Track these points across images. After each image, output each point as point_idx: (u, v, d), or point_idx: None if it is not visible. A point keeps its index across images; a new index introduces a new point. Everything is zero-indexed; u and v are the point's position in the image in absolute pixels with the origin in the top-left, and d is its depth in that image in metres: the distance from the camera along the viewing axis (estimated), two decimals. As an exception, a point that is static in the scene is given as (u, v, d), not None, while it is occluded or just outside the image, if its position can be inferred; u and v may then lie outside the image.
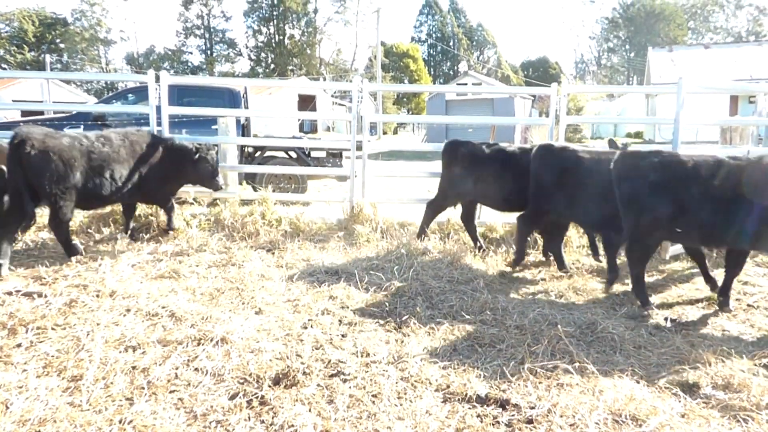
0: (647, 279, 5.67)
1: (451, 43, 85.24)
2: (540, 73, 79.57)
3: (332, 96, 51.01)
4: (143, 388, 3.12)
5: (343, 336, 3.96)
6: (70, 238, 5.78)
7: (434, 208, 6.81)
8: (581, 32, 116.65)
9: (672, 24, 71.16)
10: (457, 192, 6.59)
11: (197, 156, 6.57)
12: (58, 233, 5.68)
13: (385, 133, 46.12)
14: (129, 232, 6.60)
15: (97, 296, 4.46)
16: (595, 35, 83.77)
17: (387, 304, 4.59)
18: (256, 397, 3.06)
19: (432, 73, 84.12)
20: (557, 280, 5.59)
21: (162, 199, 6.64)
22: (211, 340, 3.69)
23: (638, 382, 3.36)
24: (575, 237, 6.78)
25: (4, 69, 47.22)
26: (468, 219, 6.80)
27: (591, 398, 3.11)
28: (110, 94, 13.08)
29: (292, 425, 2.81)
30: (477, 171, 6.38)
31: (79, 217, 6.97)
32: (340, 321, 4.25)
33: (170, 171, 6.49)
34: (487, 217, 7.81)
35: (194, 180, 6.79)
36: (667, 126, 10.64)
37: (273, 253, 6.09)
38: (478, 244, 6.58)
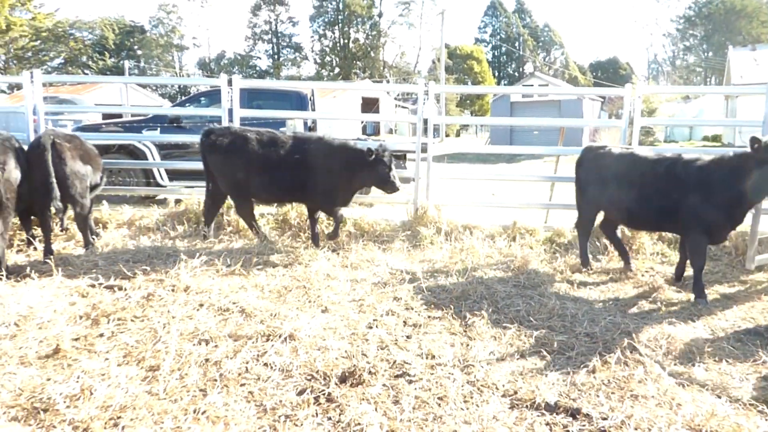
0: (727, 290, 5.40)
1: (516, 44, 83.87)
2: (609, 74, 77.02)
3: (395, 98, 51.23)
4: (216, 380, 3.23)
5: (407, 337, 3.96)
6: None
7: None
8: (654, 31, 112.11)
9: (755, 21, 67.21)
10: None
11: (373, 158, 6.16)
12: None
13: (447, 135, 45.88)
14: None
15: (173, 291, 4.65)
16: (670, 34, 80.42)
17: (452, 306, 4.56)
18: (323, 394, 3.10)
19: (496, 74, 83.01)
20: (629, 287, 5.40)
21: (329, 203, 6.45)
22: (280, 337, 3.77)
23: (719, 397, 3.19)
24: (648, 244, 6.53)
25: (87, 74, 50.12)
26: (608, 229, 6.15)
27: (668, 412, 2.97)
28: (183, 97, 13.61)
29: (359, 423, 2.83)
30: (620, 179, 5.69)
31: (156, 215, 7.31)
32: (404, 322, 4.25)
33: (343, 174, 6.26)
34: (555, 222, 7.65)
35: (369, 183, 6.47)
36: (749, 129, 10.05)
37: (338, 254, 6.18)
38: (628, 260, 5.92)
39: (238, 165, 6.25)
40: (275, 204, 6.90)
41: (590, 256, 6.28)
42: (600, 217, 6.16)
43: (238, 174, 6.28)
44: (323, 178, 6.22)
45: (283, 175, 6.21)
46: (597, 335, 4.03)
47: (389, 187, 6.29)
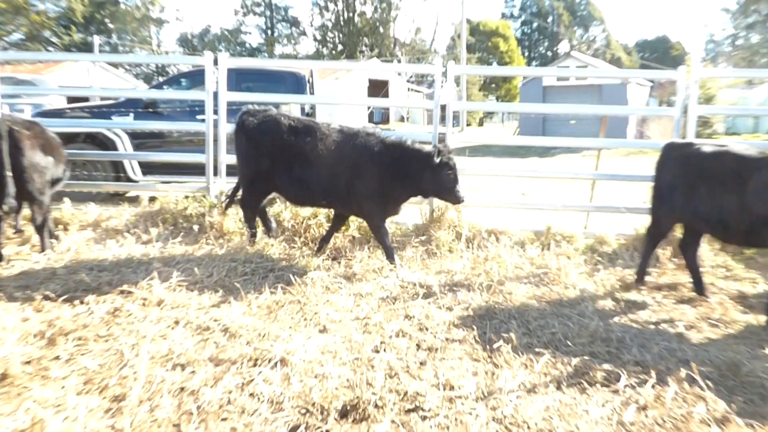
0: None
1: (549, 20, 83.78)
2: (659, 54, 76.85)
3: (408, 81, 51.28)
4: (192, 414, 3.17)
5: (421, 363, 3.89)
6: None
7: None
8: (712, 5, 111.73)
9: (831, -7, 66.77)
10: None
11: (438, 160, 5.94)
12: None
13: (468, 124, 45.88)
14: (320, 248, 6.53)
15: (144, 305, 4.62)
16: (729, 10, 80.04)
17: (474, 327, 4.50)
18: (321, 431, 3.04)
19: (526, 54, 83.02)
20: (687, 307, 5.30)
21: (373, 213, 6.26)
22: (269, 361, 3.71)
23: (799, 442, 3.09)
24: (709, 255, 6.44)
25: (50, 51, 50.49)
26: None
27: (736, 459, 2.88)
28: (161, 79, 13.62)
29: (363, 469, 2.76)
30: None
31: (126, 216, 7.30)
32: (418, 345, 4.19)
33: (395, 179, 6.08)
34: (596, 227, 7.58)
35: (428, 191, 6.31)
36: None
37: (339, 262, 6.13)
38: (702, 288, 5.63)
39: (264, 152, 6.21)
40: (305, 206, 6.77)
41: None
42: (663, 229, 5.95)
43: (261, 162, 6.24)
44: (369, 181, 6.06)
45: (319, 172, 6.11)
46: (648, 364, 3.94)
47: (453, 197, 6.12)
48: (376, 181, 6.05)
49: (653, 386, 3.58)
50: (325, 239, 6.56)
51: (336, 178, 6.10)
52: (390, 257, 6.14)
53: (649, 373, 3.77)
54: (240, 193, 6.65)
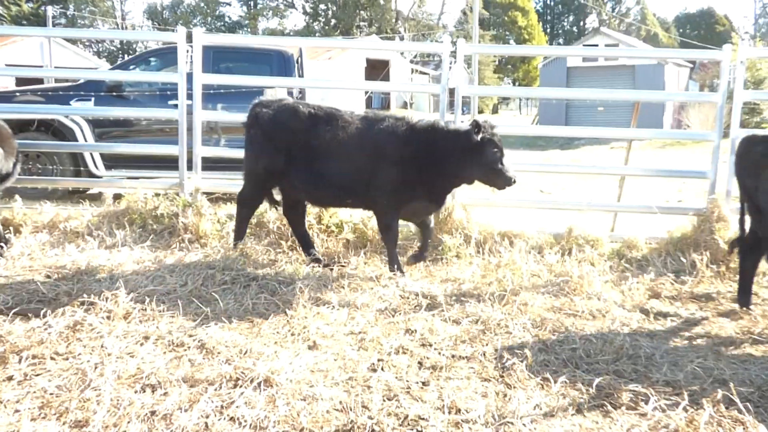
0: None
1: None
2: (702, 31, 76.91)
3: (411, 61, 51.33)
4: (164, 440, 3.22)
5: (424, 384, 3.95)
6: None
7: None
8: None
9: None
10: None
11: (480, 138, 5.90)
12: None
13: (480, 111, 45.93)
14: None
15: (108, 318, 4.65)
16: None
17: (484, 342, 4.55)
18: (309, 460, 3.10)
19: (548, 31, 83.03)
20: (725, 320, 5.37)
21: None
22: (251, 381, 3.76)
23: None
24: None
25: (-3, 25, 50.42)
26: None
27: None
28: (127, 57, 13.66)
29: (356, 501, 2.82)
30: None
31: (87, 216, 7.33)
32: (420, 363, 4.24)
33: (430, 168, 6.08)
34: (624, 230, 7.63)
35: (472, 176, 6.19)
36: None
37: (331, 269, 6.18)
38: None
39: (281, 147, 6.24)
40: (328, 206, 6.83)
41: (671, 276, 6.27)
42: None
43: (277, 159, 6.26)
44: (396, 172, 6.07)
45: (343, 167, 6.15)
46: (681, 384, 3.99)
47: (501, 179, 6.03)
48: (405, 172, 6.05)
49: (685, 409, 3.63)
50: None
51: (361, 172, 6.12)
52: (393, 262, 6.21)
53: (681, 395, 3.82)
54: (242, 188, 6.70)
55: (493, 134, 5.95)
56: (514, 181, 6.04)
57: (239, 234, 6.60)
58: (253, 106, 6.42)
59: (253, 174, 6.50)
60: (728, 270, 6.37)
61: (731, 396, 3.72)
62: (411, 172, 6.04)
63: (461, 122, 6.07)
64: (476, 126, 5.85)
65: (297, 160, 6.23)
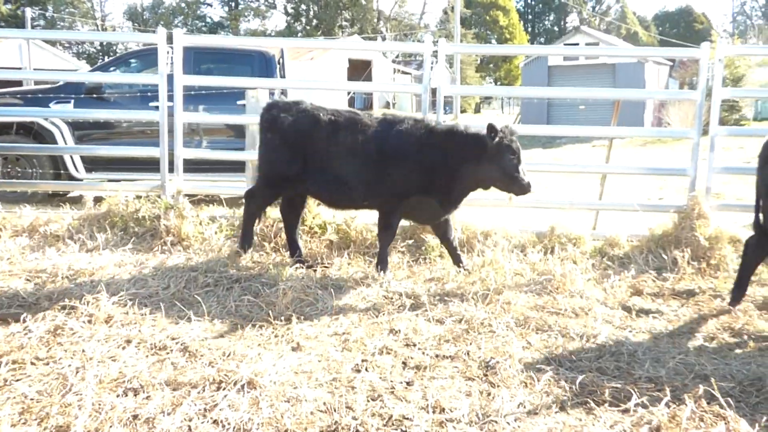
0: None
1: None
2: (681, 29, 77.62)
3: (394, 61, 51.36)
4: (147, 444, 3.21)
5: (408, 384, 3.95)
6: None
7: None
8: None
9: None
10: None
11: (496, 141, 5.86)
12: None
13: (463, 111, 46.07)
14: None
15: (90, 322, 4.62)
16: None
17: (468, 341, 4.57)
18: (293, 462, 3.10)
19: (529, 30, 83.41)
20: (708, 316, 5.42)
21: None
22: (235, 384, 3.75)
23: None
24: (732, 257, 6.55)
25: (-26, 27, 49.89)
26: None
27: (758, 484, 2.98)
28: (107, 59, 13.57)
29: (341, 502, 2.82)
30: None
31: (67, 219, 7.28)
32: (404, 363, 4.25)
33: (447, 171, 6.07)
34: (606, 228, 7.67)
35: (487, 181, 6.18)
36: None
37: (315, 270, 6.17)
38: None
39: (298, 153, 6.20)
40: (344, 209, 6.75)
41: (653, 273, 6.32)
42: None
43: (293, 165, 6.22)
44: (418, 176, 6.06)
45: (360, 170, 6.13)
46: (663, 380, 4.02)
47: (517, 186, 6.00)
48: (422, 175, 6.04)
49: (667, 405, 3.65)
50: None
51: (379, 175, 6.10)
52: (382, 262, 6.22)
53: (663, 391, 3.85)
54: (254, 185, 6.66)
55: (512, 140, 5.91)
56: (530, 190, 6.01)
57: (247, 237, 6.54)
58: (269, 108, 6.40)
59: (267, 177, 6.46)
60: (708, 267, 6.44)
61: (712, 391, 3.75)
62: (428, 175, 6.03)
63: (480, 126, 6.01)
64: (493, 131, 5.80)
65: (315, 165, 6.21)
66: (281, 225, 6.95)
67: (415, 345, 4.53)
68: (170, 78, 7.78)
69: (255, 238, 6.82)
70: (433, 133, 6.11)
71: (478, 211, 7.82)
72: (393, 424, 3.43)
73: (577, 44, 35.74)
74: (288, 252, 6.57)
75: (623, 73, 31.32)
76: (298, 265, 6.20)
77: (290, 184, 6.34)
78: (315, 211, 7.29)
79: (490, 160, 5.91)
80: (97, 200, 7.97)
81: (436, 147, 6.05)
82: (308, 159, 6.22)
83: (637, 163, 15.75)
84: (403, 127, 6.13)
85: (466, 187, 6.22)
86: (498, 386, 3.95)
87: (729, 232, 6.80)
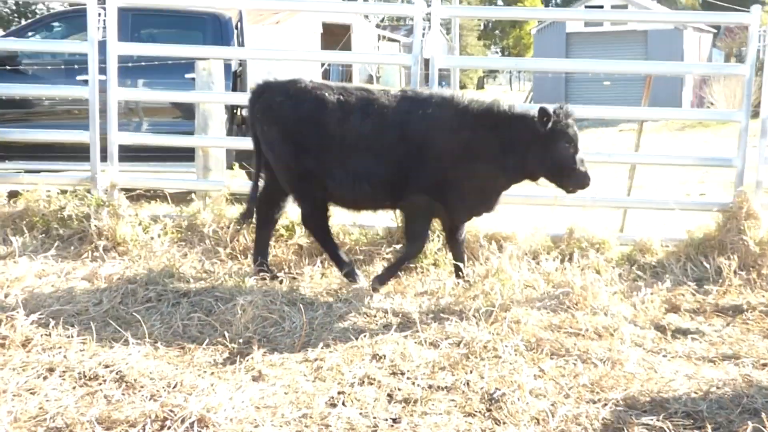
0: None
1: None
2: (727, -12, 78.03)
3: (378, 26, 51.30)
4: (74, 496, 3.20)
5: (395, 421, 3.96)
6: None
7: None
8: None
9: None
10: None
11: (549, 126, 5.82)
12: None
13: (463, 86, 46.18)
14: None
15: (2, 346, 4.60)
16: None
17: (468, 369, 4.57)
18: None
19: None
20: (757, 337, 5.46)
21: (460, 209, 6.32)
22: (182, 422, 3.73)
23: None
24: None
25: None
26: None
27: None
28: (24, 22, 13.48)
29: None
30: None
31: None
32: (390, 396, 4.24)
33: (488, 160, 6.04)
34: (635, 230, 7.69)
35: (537, 173, 6.18)
36: None
37: (281, 281, 6.17)
38: None
39: (306, 144, 6.12)
40: (364, 209, 6.70)
41: (692, 285, 6.35)
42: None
43: (307, 160, 6.14)
44: (450, 166, 6.05)
45: (380, 161, 6.07)
46: (704, 415, 4.04)
47: (573, 179, 6.03)
48: (460, 165, 6.03)
49: (709, 446, 3.70)
50: (260, 246, 6.55)
51: (404, 166, 6.05)
52: (389, 277, 6.21)
53: (704, 428, 3.89)
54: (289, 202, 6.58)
55: (567, 125, 5.89)
56: (589, 183, 6.01)
57: (261, 246, 6.49)
58: (260, 92, 6.30)
59: (293, 181, 6.33)
60: (759, 277, 6.46)
61: (763, 429, 3.78)
62: (471, 165, 6.02)
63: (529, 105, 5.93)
64: (545, 115, 5.76)
65: (329, 157, 6.13)
66: (239, 227, 6.92)
67: (403, 373, 4.52)
68: (102, 46, 7.73)
69: (207, 241, 6.83)
70: (468, 114, 6.04)
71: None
72: (376, 471, 3.45)
73: (602, 7, 35.83)
74: (249, 259, 6.56)
75: (657, 42, 31.51)
76: (260, 275, 6.19)
77: (314, 181, 6.20)
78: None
79: (541, 148, 5.90)
80: (12, 195, 7.92)
81: (473, 131, 6.02)
82: (321, 152, 6.12)
83: (673, 151, 15.82)
84: (430, 110, 6.06)
85: (509, 179, 6.25)
86: (504, 423, 3.96)
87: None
